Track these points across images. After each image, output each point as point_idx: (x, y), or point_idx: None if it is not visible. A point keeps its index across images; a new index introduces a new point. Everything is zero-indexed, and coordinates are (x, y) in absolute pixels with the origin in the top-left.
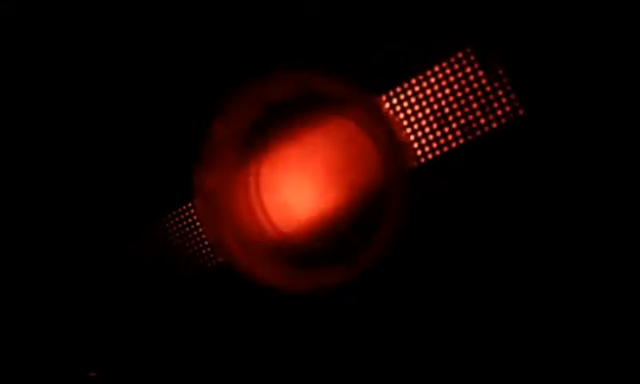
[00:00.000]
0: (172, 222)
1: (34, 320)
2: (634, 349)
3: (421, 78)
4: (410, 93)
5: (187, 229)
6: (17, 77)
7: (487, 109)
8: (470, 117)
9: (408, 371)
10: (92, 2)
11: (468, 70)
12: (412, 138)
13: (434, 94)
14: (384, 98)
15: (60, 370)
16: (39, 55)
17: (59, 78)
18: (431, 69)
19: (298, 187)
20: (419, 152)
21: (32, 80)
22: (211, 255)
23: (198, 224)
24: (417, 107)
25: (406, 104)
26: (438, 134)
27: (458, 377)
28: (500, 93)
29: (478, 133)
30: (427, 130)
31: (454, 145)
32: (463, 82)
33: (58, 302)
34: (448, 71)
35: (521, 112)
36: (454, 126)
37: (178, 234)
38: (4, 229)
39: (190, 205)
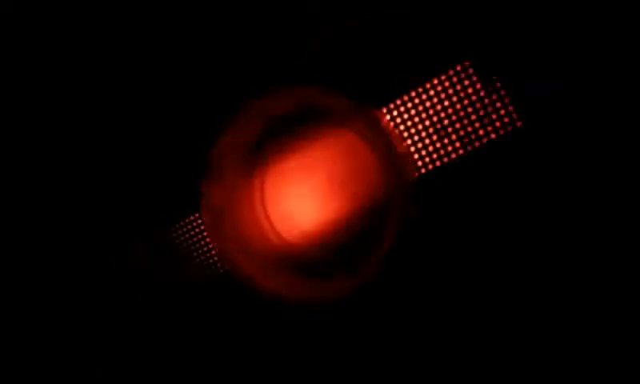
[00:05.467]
0: (179, 232)
1: (40, 328)
2: (635, 351)
3: (420, 90)
4: (409, 105)
5: (194, 239)
6: (15, 76)
7: (485, 121)
8: (469, 128)
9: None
10: (93, 3)
11: (466, 82)
12: (412, 149)
13: (433, 106)
14: (384, 110)
15: (65, 376)
16: (38, 54)
17: (60, 78)
18: (430, 82)
19: (301, 198)
20: (419, 163)
21: (31, 80)
22: (217, 264)
23: (204, 234)
24: (416, 119)
25: (406, 116)
26: (438, 145)
27: None
28: (498, 105)
29: (477, 144)
30: (427, 141)
31: (453, 156)
32: (462, 94)
33: (63, 309)
34: (447, 84)
35: (519, 124)
36: (453, 137)
37: (185, 244)
38: (12, 238)
39: (197, 215)
